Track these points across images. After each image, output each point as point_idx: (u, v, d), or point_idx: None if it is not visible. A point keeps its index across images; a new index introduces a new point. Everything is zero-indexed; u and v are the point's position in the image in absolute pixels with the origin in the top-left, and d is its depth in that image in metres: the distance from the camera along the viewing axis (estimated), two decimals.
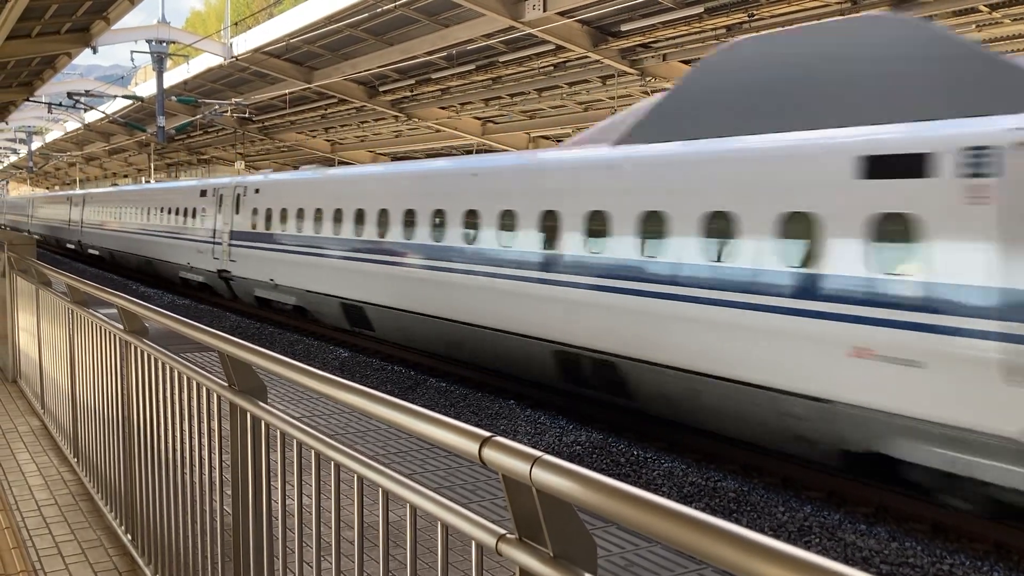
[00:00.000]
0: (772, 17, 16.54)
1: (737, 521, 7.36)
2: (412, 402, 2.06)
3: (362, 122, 33.80)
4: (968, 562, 7.25)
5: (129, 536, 4.48)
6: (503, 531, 1.75)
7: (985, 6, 14.66)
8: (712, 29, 17.75)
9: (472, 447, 1.76)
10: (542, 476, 1.60)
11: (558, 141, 30.82)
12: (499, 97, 26.54)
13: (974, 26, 15.46)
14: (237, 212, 21.04)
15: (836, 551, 7.48)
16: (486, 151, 30.10)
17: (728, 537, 1.35)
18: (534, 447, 1.70)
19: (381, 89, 27.66)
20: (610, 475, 1.56)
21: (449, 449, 1.87)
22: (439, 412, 2.00)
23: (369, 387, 2.24)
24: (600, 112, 26.09)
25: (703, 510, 1.42)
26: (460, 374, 14.54)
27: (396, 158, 39.30)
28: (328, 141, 40.31)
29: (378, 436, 7.38)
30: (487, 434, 1.75)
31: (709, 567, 4.77)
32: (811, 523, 8.14)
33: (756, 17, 16.57)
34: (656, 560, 4.88)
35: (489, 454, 1.73)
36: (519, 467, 1.64)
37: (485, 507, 5.59)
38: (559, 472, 1.58)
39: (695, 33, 18.21)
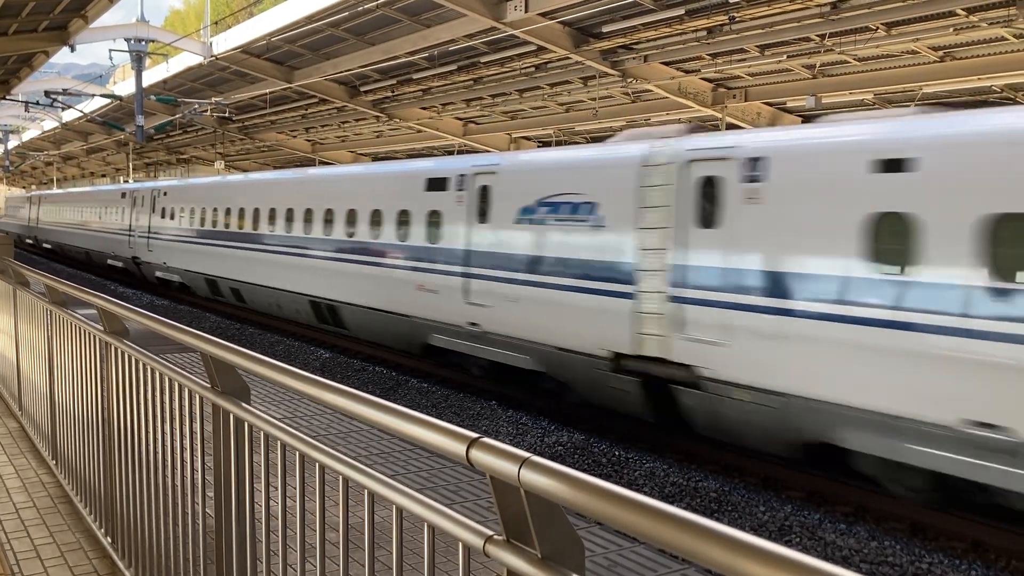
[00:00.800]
0: (753, 19, 16.61)
1: (718, 521, 7.40)
2: (394, 403, 2.05)
3: (343, 122, 33.68)
4: (947, 560, 7.32)
5: (109, 539, 4.44)
6: (490, 532, 1.75)
7: (963, 9, 14.79)
8: (693, 31, 17.82)
9: (459, 448, 1.76)
10: (530, 477, 1.59)
11: (540, 142, 30.83)
12: (480, 98, 26.52)
13: (952, 29, 15.61)
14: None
15: (816, 550, 7.52)
16: (468, 152, 30.06)
17: (716, 537, 1.35)
18: (516, 448, 1.70)
19: (362, 89, 27.56)
20: (593, 476, 1.56)
21: (436, 450, 1.86)
22: (421, 414, 1.99)
23: (353, 387, 2.23)
24: (581, 113, 26.14)
25: (685, 510, 1.43)
26: (441, 375, 14.51)
27: (377, 158, 39.20)
28: (309, 141, 40.14)
29: (360, 437, 7.35)
30: (474, 435, 1.75)
31: (692, 567, 4.79)
32: (791, 522, 8.19)
33: (737, 19, 16.63)
34: (639, 560, 4.89)
35: (477, 455, 1.73)
36: (507, 468, 1.64)
37: (468, 508, 5.58)
38: (547, 473, 1.58)
39: (676, 35, 18.26)
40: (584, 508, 1.54)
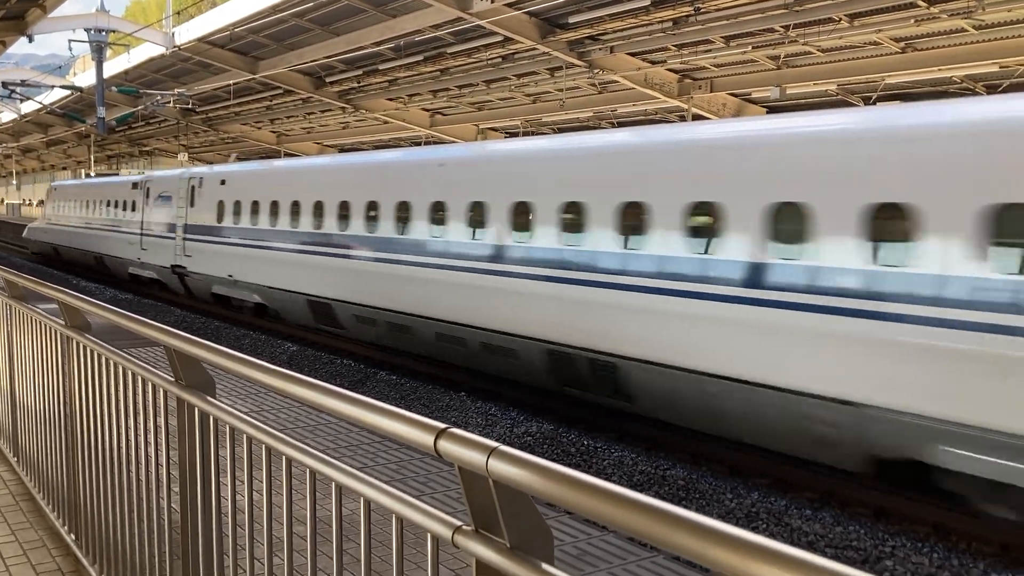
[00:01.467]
0: (718, 10, 16.70)
1: (686, 508, 7.46)
2: (363, 395, 2.04)
3: (308, 113, 33.42)
4: (909, 544, 7.44)
5: (73, 536, 4.38)
6: (459, 523, 1.74)
7: (923, 1, 14.98)
8: (659, 22, 17.89)
9: (427, 439, 1.75)
10: (498, 467, 1.59)
11: (507, 133, 30.80)
12: (447, 89, 26.43)
13: (913, 20, 15.79)
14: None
15: (783, 536, 7.61)
16: (435, 143, 29.96)
17: (684, 523, 1.36)
18: (486, 439, 1.69)
19: (327, 80, 27.35)
20: (562, 465, 1.56)
21: (404, 442, 1.85)
22: (389, 405, 1.98)
23: (322, 380, 2.21)
24: (548, 104, 26.14)
25: (653, 498, 1.43)
26: (410, 367, 14.48)
27: (343, 150, 38.93)
28: (274, 132, 39.78)
29: (328, 430, 7.32)
30: (442, 425, 1.74)
31: (661, 554, 4.82)
32: (758, 509, 8.28)
33: (702, 10, 16.71)
34: (608, 548, 4.92)
35: (445, 446, 1.72)
36: (475, 458, 1.63)
37: (438, 499, 5.58)
38: (516, 463, 1.57)
39: (643, 26, 18.32)
40: (553, 497, 1.54)
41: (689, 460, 9.84)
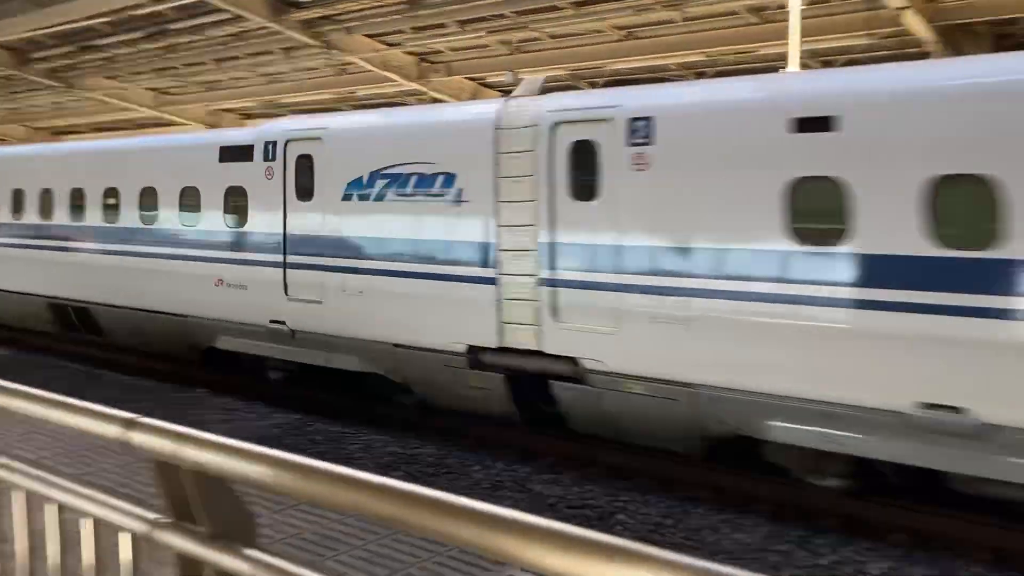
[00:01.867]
0: None
1: (434, 483, 7.55)
2: (86, 400, 1.86)
3: (13, 92, 30.24)
4: (640, 497, 8.02)
5: None
6: (156, 516, 1.64)
7: None
8: (395, 3, 17.87)
9: (117, 431, 1.63)
10: (193, 454, 1.51)
11: (242, 114, 29.56)
12: (174, 67, 24.90)
13: (631, 10, 16.87)
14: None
15: (525, 502, 7.94)
16: (161, 125, 28.19)
17: (387, 492, 1.35)
18: (228, 434, 1.60)
19: (35, 56, 24.87)
20: (308, 453, 1.51)
21: (93, 436, 1.72)
22: (119, 408, 1.82)
23: (34, 387, 2.00)
24: (285, 85, 25.38)
25: (400, 477, 1.42)
26: (144, 366, 13.60)
27: (58, 133, 35.64)
28: None
29: (43, 440, 6.70)
30: (131, 415, 1.63)
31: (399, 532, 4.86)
32: (503, 478, 8.58)
33: None
34: (349, 531, 4.89)
35: (139, 437, 1.61)
36: (169, 447, 1.54)
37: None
38: (210, 448, 1.50)
39: (377, 7, 18.22)
40: (252, 480, 1.49)
41: (438, 438, 10.00)
